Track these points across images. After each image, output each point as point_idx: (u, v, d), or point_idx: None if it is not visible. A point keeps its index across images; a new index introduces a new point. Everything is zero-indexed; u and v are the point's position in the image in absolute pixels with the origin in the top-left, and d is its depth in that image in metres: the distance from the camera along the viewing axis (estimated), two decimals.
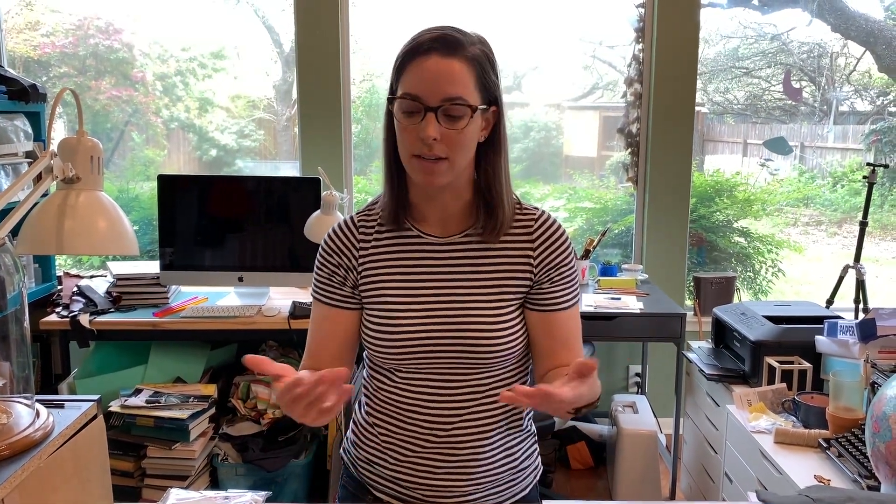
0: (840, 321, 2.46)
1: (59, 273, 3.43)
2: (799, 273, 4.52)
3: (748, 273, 4.46)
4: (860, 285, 3.53)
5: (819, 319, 2.59)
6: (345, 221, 1.36)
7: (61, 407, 1.24)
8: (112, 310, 3.03)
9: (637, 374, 3.96)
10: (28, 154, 3.14)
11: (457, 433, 1.30)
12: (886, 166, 3.57)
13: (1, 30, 3.77)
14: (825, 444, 2.04)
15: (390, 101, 1.23)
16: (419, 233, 1.32)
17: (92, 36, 4.06)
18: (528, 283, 1.31)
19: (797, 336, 2.55)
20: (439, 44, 1.17)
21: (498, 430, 1.33)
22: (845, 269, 3.57)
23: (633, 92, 3.86)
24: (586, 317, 3.08)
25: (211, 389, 2.89)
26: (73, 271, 3.50)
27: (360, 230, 1.33)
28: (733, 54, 4.64)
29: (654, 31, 3.72)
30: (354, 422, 1.44)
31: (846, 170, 4.66)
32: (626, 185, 4.00)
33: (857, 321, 2.36)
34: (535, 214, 1.33)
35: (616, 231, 4.17)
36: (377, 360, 1.33)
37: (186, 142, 4.27)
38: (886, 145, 4.52)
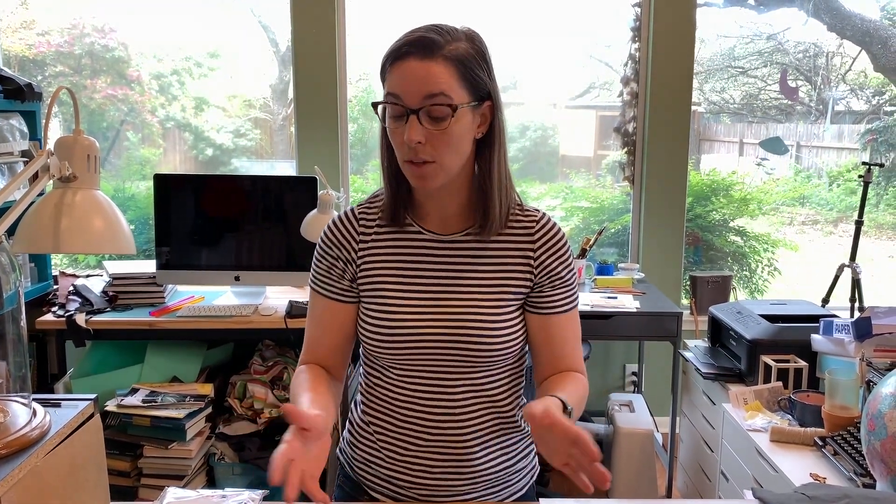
0: (836, 320, 2.47)
1: (56, 272, 3.42)
2: (795, 272, 4.53)
3: (744, 272, 4.47)
4: (856, 284, 3.53)
5: (815, 318, 2.59)
6: (345, 213, 1.35)
7: (58, 406, 1.23)
8: (108, 309, 3.03)
9: (633, 373, 3.97)
10: (24, 153, 3.13)
11: (452, 432, 1.30)
12: (882, 165, 3.59)
13: None
14: (821, 443, 2.05)
15: (374, 106, 1.23)
16: (420, 229, 1.32)
17: (87, 35, 4.05)
18: (527, 284, 1.31)
19: (793, 335, 2.56)
20: (415, 47, 1.16)
21: (494, 430, 1.33)
22: (841, 268, 3.58)
23: (629, 91, 3.86)
24: (583, 316, 3.05)
25: (207, 389, 2.89)
26: (70, 271, 3.50)
27: (361, 223, 1.33)
28: (729, 54, 4.64)
29: (651, 31, 3.73)
30: (350, 421, 1.44)
31: (842, 169, 4.67)
32: (622, 184, 4.01)
33: (853, 320, 2.37)
34: (535, 216, 1.33)
35: (612, 230, 4.17)
36: (373, 356, 1.33)
37: (182, 141, 4.26)
38: (882, 144, 4.53)
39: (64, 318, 2.90)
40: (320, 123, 3.72)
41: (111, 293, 3.09)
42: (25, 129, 3.14)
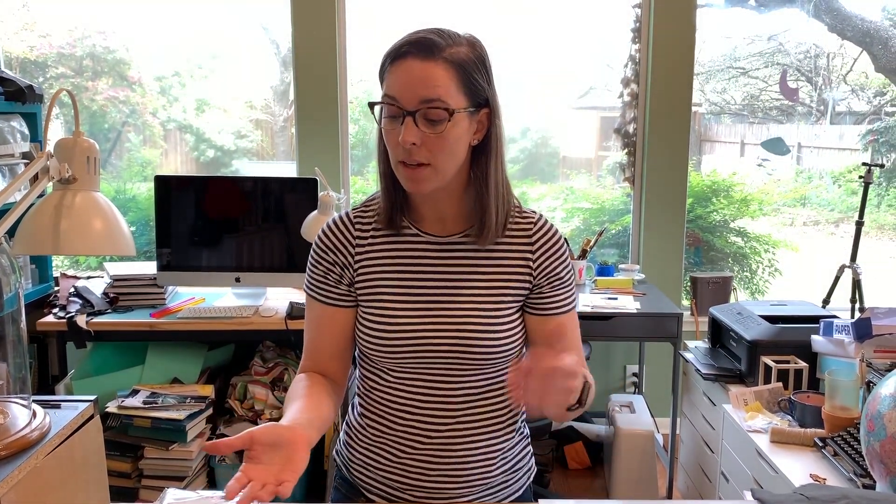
0: (836, 320, 2.47)
1: (56, 274, 3.42)
2: (796, 273, 4.53)
3: (745, 273, 4.47)
4: (856, 285, 3.54)
5: (815, 319, 2.59)
6: (340, 218, 1.34)
7: (58, 407, 1.24)
8: (109, 311, 3.03)
9: (634, 374, 3.97)
10: (25, 155, 3.14)
11: (449, 434, 1.30)
12: (882, 166, 3.59)
13: None
14: (821, 443, 2.04)
15: (371, 106, 1.23)
16: (417, 231, 1.31)
17: (89, 37, 4.06)
18: (526, 286, 1.31)
19: (793, 335, 2.56)
20: (416, 47, 1.16)
21: (491, 432, 1.33)
22: (841, 269, 3.58)
23: (629, 92, 3.86)
24: (583, 317, 3.07)
25: (208, 390, 2.89)
26: (70, 272, 3.50)
27: (357, 227, 1.33)
28: (730, 54, 4.64)
29: (651, 32, 3.73)
30: (347, 423, 1.43)
31: (843, 170, 4.67)
32: (623, 185, 4.01)
33: (853, 320, 2.37)
34: (533, 218, 1.33)
35: (613, 231, 4.18)
36: (370, 359, 1.32)
37: (183, 143, 4.26)
38: (883, 145, 4.53)
39: (65, 320, 2.90)
40: (321, 125, 3.72)
41: (112, 295, 3.10)
42: (26, 131, 3.15)
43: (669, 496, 3.16)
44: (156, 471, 2.78)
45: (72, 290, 3.14)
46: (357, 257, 1.31)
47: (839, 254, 3.71)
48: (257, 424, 3.07)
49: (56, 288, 3.31)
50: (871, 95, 4.71)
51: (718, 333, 2.94)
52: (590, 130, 4.42)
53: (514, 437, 1.38)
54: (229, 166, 4.24)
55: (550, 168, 4.39)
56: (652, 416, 3.40)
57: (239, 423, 2.98)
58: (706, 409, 2.83)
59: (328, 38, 3.66)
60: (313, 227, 2.77)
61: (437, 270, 1.30)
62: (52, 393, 2.98)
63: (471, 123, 1.22)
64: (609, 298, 3.27)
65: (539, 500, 1.39)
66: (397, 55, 1.18)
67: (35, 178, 1.15)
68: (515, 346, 1.31)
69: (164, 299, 3.13)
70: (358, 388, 1.40)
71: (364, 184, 4.07)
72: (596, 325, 3.10)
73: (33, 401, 1.20)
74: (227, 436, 2.90)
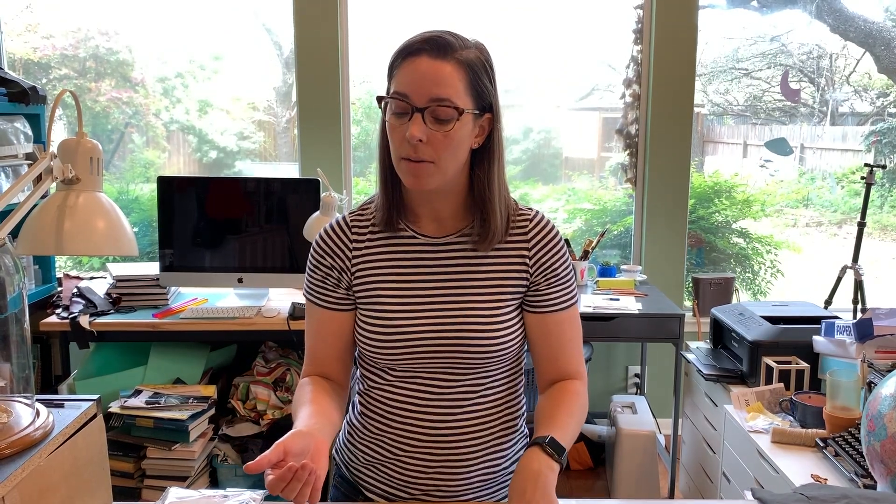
0: (837, 321, 2.47)
1: (59, 275, 3.43)
2: (798, 274, 4.53)
3: (747, 274, 4.47)
4: (858, 286, 3.54)
5: (817, 320, 2.60)
6: (336, 222, 1.35)
7: (61, 406, 1.24)
8: (112, 311, 3.04)
9: (636, 375, 3.97)
10: (28, 156, 3.15)
11: (449, 432, 1.31)
12: (884, 167, 3.59)
13: (1, 32, 3.78)
14: (822, 444, 2.05)
15: (380, 101, 1.23)
16: (413, 233, 1.32)
17: (92, 38, 4.07)
18: (524, 283, 1.32)
19: (795, 336, 2.56)
20: (429, 45, 1.18)
21: (490, 430, 1.34)
22: (843, 270, 3.58)
23: (631, 93, 3.87)
24: (585, 317, 3.09)
25: (210, 390, 2.90)
26: (73, 273, 3.51)
27: (353, 230, 1.33)
28: (733, 55, 4.64)
29: (652, 33, 3.73)
30: (348, 422, 1.44)
31: (846, 171, 4.67)
32: (625, 186, 4.01)
33: (854, 321, 2.37)
34: (529, 215, 1.34)
35: (615, 232, 4.18)
36: (370, 359, 1.33)
37: (186, 144, 4.27)
38: (886, 146, 4.53)
39: (68, 320, 2.91)
40: (323, 126, 3.73)
41: (115, 295, 3.11)
42: (30, 132, 3.16)
43: (671, 496, 3.16)
44: (158, 471, 2.79)
45: (75, 290, 3.15)
46: (354, 260, 1.32)
47: (842, 255, 3.71)
48: (259, 425, 3.08)
49: (59, 288, 3.32)
50: (874, 96, 4.71)
51: (720, 334, 2.94)
52: (592, 131, 4.42)
53: (513, 436, 1.38)
54: (232, 167, 4.25)
55: (553, 169, 4.39)
56: (654, 416, 3.40)
57: (241, 423, 2.98)
58: (708, 409, 2.83)
59: (330, 39, 3.67)
60: (315, 227, 2.78)
61: (435, 271, 1.30)
62: (55, 393, 2.99)
63: (474, 126, 1.23)
64: (611, 299, 3.27)
65: None
66: (410, 52, 1.19)
67: (38, 179, 1.16)
68: (514, 344, 1.32)
69: (167, 300, 3.14)
70: (357, 387, 1.41)
71: (366, 185, 4.08)
72: (598, 326, 3.10)
73: (37, 400, 1.21)
74: (230, 437, 2.92)
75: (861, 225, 3.53)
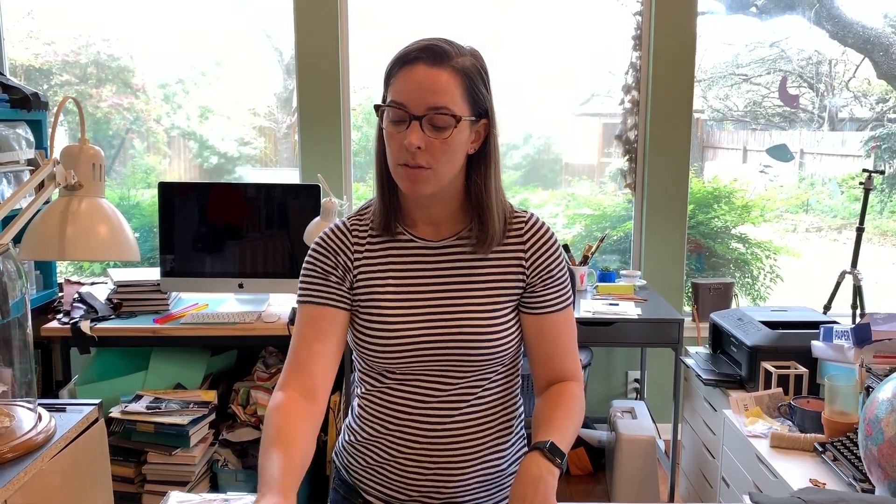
0: (835, 326, 2.48)
1: (60, 280, 3.44)
2: (797, 279, 4.53)
3: (746, 279, 4.48)
4: (857, 291, 3.54)
5: (815, 325, 2.60)
6: (336, 226, 1.35)
7: (63, 411, 1.25)
8: (113, 316, 3.05)
9: (635, 380, 3.97)
10: (30, 162, 3.16)
11: (447, 435, 1.32)
12: (883, 172, 3.60)
13: (2, 38, 3.80)
14: (821, 448, 2.05)
15: (377, 109, 1.25)
16: (411, 237, 1.33)
17: (93, 44, 4.09)
18: (520, 285, 1.33)
19: (793, 341, 2.56)
20: (426, 53, 1.19)
21: (488, 432, 1.35)
22: (842, 275, 3.58)
23: (630, 99, 3.88)
24: (585, 323, 3.10)
25: (211, 395, 2.91)
26: (74, 278, 3.52)
27: (354, 234, 1.34)
28: (733, 61, 4.66)
29: (651, 39, 3.75)
30: (347, 425, 1.45)
31: (846, 177, 4.68)
32: (624, 191, 4.02)
33: (852, 326, 2.38)
34: (524, 218, 1.35)
35: (614, 237, 4.19)
36: (369, 363, 1.33)
37: (187, 149, 4.29)
38: (885, 152, 4.54)
39: (69, 325, 2.92)
40: (324, 132, 3.74)
41: (116, 300, 3.12)
42: (31, 138, 3.17)
43: (671, 501, 3.16)
44: (159, 476, 2.80)
45: (76, 295, 3.15)
46: (356, 263, 1.32)
47: (841, 260, 3.71)
48: (259, 430, 3.08)
49: (60, 294, 3.33)
50: (874, 102, 4.72)
51: (719, 339, 2.95)
52: (591, 137, 4.43)
53: (510, 437, 1.39)
54: (233, 173, 4.26)
55: (552, 174, 4.40)
56: (653, 421, 3.40)
57: (241, 428, 2.99)
58: (707, 414, 2.84)
59: (331, 45, 3.68)
60: (316, 233, 2.79)
61: (433, 274, 1.31)
62: (56, 398, 3.00)
63: (471, 132, 1.25)
64: (610, 304, 3.28)
65: None
66: (406, 61, 1.20)
67: (41, 185, 1.17)
68: (512, 346, 1.33)
69: (168, 305, 3.15)
70: (356, 391, 1.42)
71: (366, 190, 4.09)
72: (597, 331, 3.11)
73: (38, 404, 1.22)
74: (230, 442, 2.92)
75: (860, 230, 3.54)
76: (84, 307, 3.08)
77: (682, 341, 3.11)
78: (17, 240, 1.17)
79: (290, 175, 4.22)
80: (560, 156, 4.42)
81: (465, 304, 1.30)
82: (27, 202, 1.26)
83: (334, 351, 1.30)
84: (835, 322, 2.61)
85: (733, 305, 3.92)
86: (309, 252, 1.35)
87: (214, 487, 2.97)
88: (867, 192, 3.48)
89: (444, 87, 1.19)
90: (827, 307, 3.56)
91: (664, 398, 3.88)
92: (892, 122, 4.57)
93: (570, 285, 1.39)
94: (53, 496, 1.11)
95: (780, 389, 2.44)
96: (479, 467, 1.34)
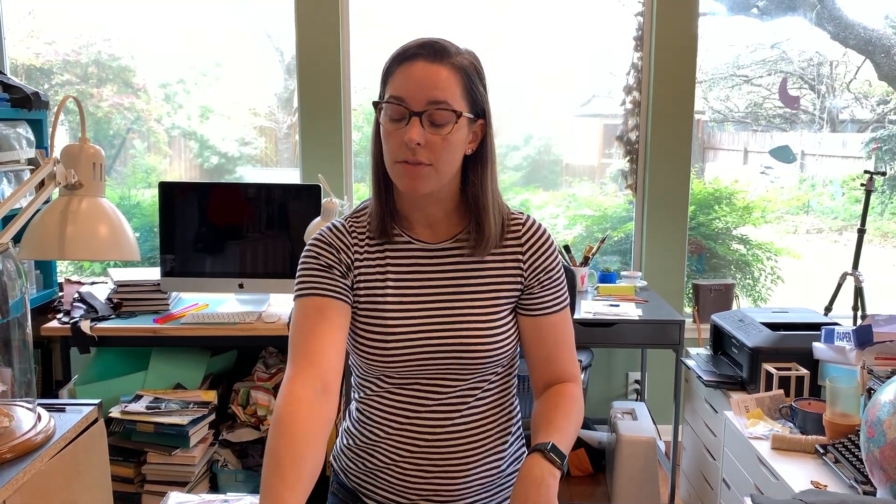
0: (837, 328, 2.47)
1: (60, 280, 3.44)
2: (798, 280, 4.53)
3: (747, 280, 4.47)
4: (858, 292, 3.54)
5: (817, 326, 2.60)
6: (335, 225, 1.34)
7: (62, 411, 1.25)
8: (113, 316, 3.05)
9: (636, 381, 3.97)
10: (30, 161, 3.15)
11: (446, 437, 1.31)
12: (884, 174, 3.59)
13: (3, 37, 3.80)
14: (822, 450, 2.05)
15: (376, 105, 1.24)
16: (409, 239, 1.32)
17: (94, 44, 4.08)
18: (518, 287, 1.33)
19: (794, 343, 2.56)
20: (425, 50, 1.19)
21: (487, 434, 1.34)
22: (843, 277, 3.58)
23: (631, 100, 3.88)
24: (586, 323, 3.10)
25: (211, 395, 2.90)
26: (75, 278, 3.52)
27: (353, 234, 1.33)
28: (733, 62, 4.65)
29: (653, 40, 3.74)
30: (345, 429, 1.44)
31: (847, 178, 4.67)
32: (625, 192, 4.02)
33: (854, 328, 2.37)
34: (521, 219, 1.35)
35: (615, 238, 4.18)
36: (366, 368, 1.32)
37: (188, 149, 4.28)
38: (887, 153, 4.53)
39: (69, 325, 2.92)
40: (324, 132, 3.74)
41: (116, 300, 3.11)
42: (32, 138, 3.17)
43: (672, 503, 3.16)
44: (158, 476, 2.79)
45: (76, 295, 3.15)
46: (356, 263, 1.31)
47: (842, 261, 3.71)
48: (259, 430, 3.08)
49: (60, 293, 3.32)
50: (875, 103, 4.71)
51: (720, 340, 2.94)
52: (592, 138, 4.43)
53: (509, 437, 1.39)
54: (233, 173, 4.26)
55: (553, 175, 4.40)
56: (654, 422, 3.40)
57: (241, 428, 2.99)
58: (708, 416, 2.83)
59: (332, 45, 3.68)
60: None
61: (431, 277, 1.31)
62: (56, 398, 2.99)
63: (469, 131, 1.24)
64: (611, 305, 3.27)
65: None
66: (406, 57, 1.20)
67: (41, 184, 1.17)
68: (510, 348, 1.32)
69: (168, 305, 3.14)
70: (354, 394, 1.41)
71: (367, 190, 4.09)
72: (598, 332, 3.10)
73: (38, 404, 1.21)
74: (230, 442, 2.92)
75: (861, 231, 3.54)
76: (84, 307, 3.07)
77: (682, 342, 3.11)
78: (16, 239, 1.17)
79: (290, 175, 4.21)
80: (560, 157, 4.42)
81: (463, 307, 1.29)
82: (27, 201, 1.25)
83: (342, 343, 1.25)
84: (836, 324, 2.61)
85: (734, 307, 3.91)
86: (307, 248, 1.32)
87: (214, 488, 2.96)
88: (868, 193, 3.48)
89: (444, 83, 1.19)
90: (828, 309, 3.56)
91: (665, 399, 3.87)
92: (893, 123, 4.56)
93: (565, 286, 1.38)
94: (53, 496, 1.11)
95: (781, 391, 2.43)
96: (478, 469, 1.34)
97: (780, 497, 1.84)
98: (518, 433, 1.43)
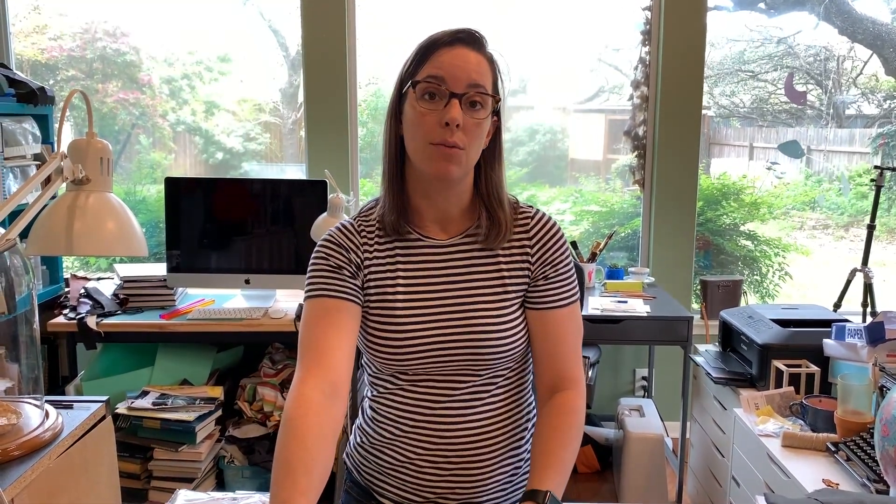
0: (848, 324, 2.45)
1: (67, 275, 3.44)
2: (806, 277, 4.51)
3: (755, 276, 4.45)
4: (868, 289, 3.52)
5: (827, 323, 2.58)
6: (343, 225, 1.33)
7: (70, 408, 1.24)
8: (119, 312, 3.04)
9: (644, 378, 3.95)
10: (36, 156, 3.15)
11: (462, 435, 1.30)
12: (894, 169, 3.57)
13: (9, 33, 3.79)
14: (833, 448, 2.03)
15: (413, 85, 1.21)
16: (419, 236, 1.31)
17: (99, 39, 4.08)
18: (525, 279, 1.32)
19: (805, 339, 2.54)
20: (465, 35, 1.22)
21: (501, 432, 1.33)
22: (853, 273, 3.56)
23: (639, 95, 3.86)
24: (593, 320, 3.08)
25: (217, 392, 2.90)
26: (81, 273, 3.51)
27: (362, 234, 1.31)
28: (740, 57, 4.63)
29: (661, 34, 3.72)
30: (358, 427, 1.43)
31: (853, 174, 4.65)
32: (632, 188, 4.00)
33: (866, 324, 2.35)
34: (530, 213, 1.34)
35: (623, 234, 4.16)
36: (379, 367, 1.31)
37: (193, 145, 4.27)
38: (894, 148, 4.51)
39: (75, 321, 2.91)
40: (330, 127, 3.73)
41: (122, 296, 3.11)
42: (38, 133, 3.16)
43: (679, 501, 3.14)
44: (165, 472, 2.79)
45: (82, 291, 3.15)
46: (366, 262, 1.30)
47: (849, 257, 3.69)
48: (266, 426, 3.07)
49: (66, 289, 3.32)
50: (882, 98, 4.68)
51: (729, 337, 2.92)
52: (598, 133, 4.41)
53: (524, 436, 1.37)
54: (238, 169, 4.25)
55: (559, 171, 4.38)
56: (661, 419, 3.38)
57: (248, 424, 2.98)
58: (717, 413, 2.82)
59: (337, 40, 3.66)
60: (323, 229, 2.77)
61: (442, 274, 1.30)
62: (62, 394, 2.99)
63: (490, 123, 1.26)
64: (619, 302, 3.26)
65: None
66: (445, 42, 1.21)
67: (48, 180, 1.16)
68: (522, 343, 1.31)
69: (174, 301, 3.14)
70: (368, 392, 1.40)
71: (373, 186, 4.07)
72: (605, 329, 3.09)
73: (46, 401, 1.20)
74: (237, 438, 2.91)
75: (871, 228, 3.52)
76: (90, 303, 3.07)
77: (690, 339, 3.09)
78: (23, 235, 1.16)
79: (295, 171, 4.20)
80: (566, 152, 4.40)
81: (473, 302, 1.28)
82: (34, 197, 1.24)
83: (351, 345, 1.25)
84: (847, 320, 2.59)
85: (742, 303, 3.89)
86: (317, 248, 1.32)
87: (220, 484, 2.96)
88: (878, 189, 3.46)
89: (483, 68, 1.22)
90: (837, 305, 3.54)
91: (673, 396, 3.86)
92: None
93: (576, 283, 1.36)
94: (60, 495, 1.10)
95: (792, 388, 2.42)
96: (497, 468, 1.33)
97: (793, 496, 1.82)
98: (532, 429, 1.41)
